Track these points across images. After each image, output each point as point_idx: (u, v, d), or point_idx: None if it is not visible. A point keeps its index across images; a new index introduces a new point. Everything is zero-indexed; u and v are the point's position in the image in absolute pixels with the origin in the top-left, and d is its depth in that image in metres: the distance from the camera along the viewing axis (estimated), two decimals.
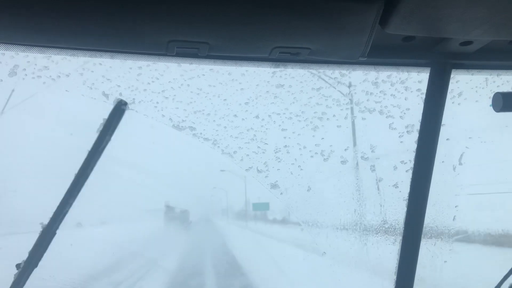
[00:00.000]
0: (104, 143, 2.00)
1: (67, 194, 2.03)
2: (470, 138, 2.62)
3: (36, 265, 2.07)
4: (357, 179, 2.84)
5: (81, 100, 2.20)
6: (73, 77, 2.12)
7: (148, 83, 2.19)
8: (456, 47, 1.99)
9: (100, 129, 2.00)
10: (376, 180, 2.60)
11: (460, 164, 2.64)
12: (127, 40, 1.71)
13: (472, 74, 2.29)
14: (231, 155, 2.40)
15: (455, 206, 2.74)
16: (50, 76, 2.09)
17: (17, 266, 2.04)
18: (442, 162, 2.40)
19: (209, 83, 2.21)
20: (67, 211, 2.06)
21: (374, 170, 2.59)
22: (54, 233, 2.09)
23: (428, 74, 2.21)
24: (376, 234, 2.88)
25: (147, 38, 1.68)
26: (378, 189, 2.49)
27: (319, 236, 3.11)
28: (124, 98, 2.17)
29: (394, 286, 2.49)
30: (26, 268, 2.05)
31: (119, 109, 2.04)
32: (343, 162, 2.62)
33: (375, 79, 2.28)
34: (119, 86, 2.19)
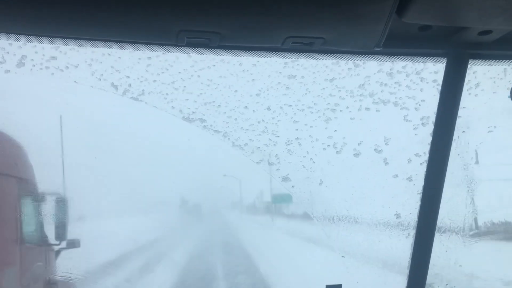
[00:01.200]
0: None
1: None
2: (488, 131, 2.56)
3: None
4: (371, 172, 2.80)
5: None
6: (82, 68, 2.09)
7: (158, 74, 2.15)
8: (474, 37, 1.93)
9: None
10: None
11: (477, 163, 2.58)
12: (137, 30, 1.69)
13: (490, 65, 2.22)
14: (242, 148, 2.37)
15: (471, 200, 2.69)
16: (58, 66, 2.06)
17: None
18: (458, 155, 2.35)
19: (219, 74, 2.17)
20: None
21: (387, 163, 2.54)
22: None
23: (444, 65, 2.15)
24: (392, 228, 2.85)
25: (156, 28, 1.65)
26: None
27: (331, 231, 3.09)
28: (133, 89, 2.15)
29: (407, 281, 2.46)
30: None
31: None
32: (356, 155, 2.58)
33: (390, 69, 2.22)
34: (128, 77, 2.16)
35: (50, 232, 5.03)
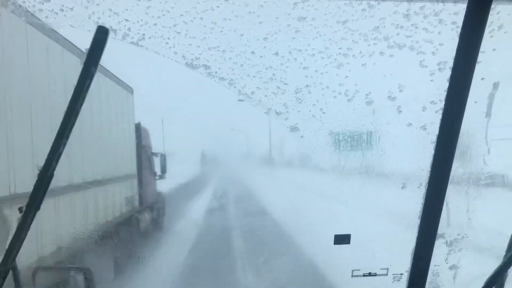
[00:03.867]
0: (89, 77, 1.80)
1: (59, 134, 1.90)
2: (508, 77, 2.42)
3: (38, 208, 2.02)
4: (384, 120, 2.69)
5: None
6: (78, 11, 1.97)
7: (159, 17, 2.02)
8: None
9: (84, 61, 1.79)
10: None
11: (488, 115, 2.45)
12: None
13: None
14: (249, 96, 2.26)
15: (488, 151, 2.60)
16: (53, 9, 1.94)
17: (20, 209, 2.01)
18: (475, 102, 2.23)
19: (224, 16, 2.03)
20: (61, 152, 1.94)
21: (401, 111, 2.43)
22: (52, 175, 1.99)
23: (465, 5, 2.00)
24: (403, 178, 2.77)
25: None
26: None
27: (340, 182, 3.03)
28: (132, 34, 2.03)
29: (417, 230, 2.42)
30: (29, 212, 2.00)
31: (99, 38, 1.79)
32: (368, 103, 2.47)
33: (407, 10, 2.07)
34: (127, 20, 2.03)
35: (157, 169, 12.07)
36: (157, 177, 12.13)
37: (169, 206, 13.18)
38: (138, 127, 10.44)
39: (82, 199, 6.68)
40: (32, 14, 1.94)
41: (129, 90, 9.89)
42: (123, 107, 9.47)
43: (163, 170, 12.27)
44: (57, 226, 5.60)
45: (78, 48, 6.33)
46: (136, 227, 9.67)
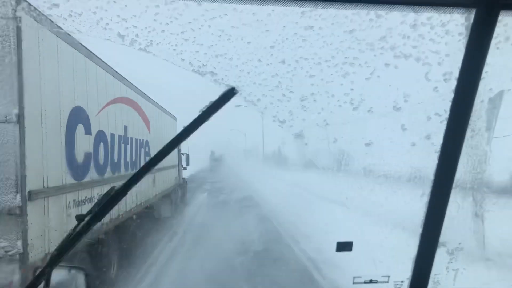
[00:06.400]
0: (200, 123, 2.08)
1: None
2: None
3: (100, 220, 2.09)
4: (388, 129, 2.69)
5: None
6: (86, 16, 1.97)
7: (166, 24, 2.02)
8: None
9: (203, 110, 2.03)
10: None
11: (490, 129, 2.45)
12: None
13: None
14: (254, 103, 2.26)
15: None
16: (61, 15, 1.95)
17: (78, 217, 2.06)
18: (478, 120, 2.23)
19: (232, 24, 2.03)
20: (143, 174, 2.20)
21: (405, 128, 2.43)
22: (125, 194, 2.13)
23: (472, 16, 2.00)
24: (407, 186, 2.77)
25: None
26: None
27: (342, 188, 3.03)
28: (140, 40, 2.03)
29: (419, 239, 2.43)
30: (92, 222, 2.05)
31: (228, 94, 2.02)
32: (372, 112, 2.46)
33: (414, 21, 2.07)
34: (135, 26, 2.04)
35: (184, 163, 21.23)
36: (183, 168, 21.04)
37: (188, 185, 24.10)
38: None
39: (157, 176, 13.70)
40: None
41: (174, 118, 18.24)
42: (172, 127, 17.48)
43: (187, 163, 21.77)
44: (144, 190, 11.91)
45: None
46: (177, 193, 18.70)
